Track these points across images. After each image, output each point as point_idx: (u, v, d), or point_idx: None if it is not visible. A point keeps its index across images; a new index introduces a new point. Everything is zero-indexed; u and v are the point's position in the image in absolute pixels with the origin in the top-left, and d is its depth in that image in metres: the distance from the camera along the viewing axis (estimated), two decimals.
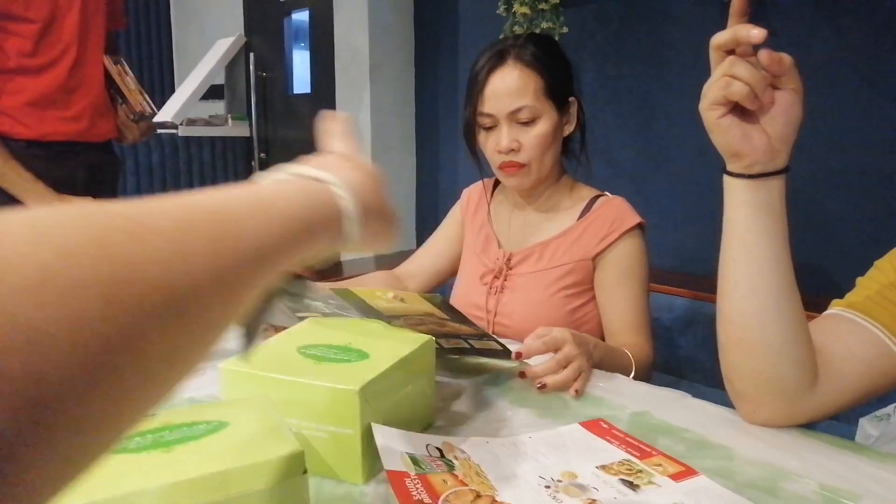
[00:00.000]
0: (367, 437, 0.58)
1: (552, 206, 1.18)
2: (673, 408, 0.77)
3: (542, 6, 2.17)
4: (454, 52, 2.80)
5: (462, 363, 0.91)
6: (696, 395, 0.80)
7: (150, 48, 4.52)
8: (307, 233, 0.38)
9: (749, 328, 0.68)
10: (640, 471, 0.60)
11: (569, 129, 1.14)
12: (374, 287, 1.06)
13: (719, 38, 0.62)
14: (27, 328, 0.19)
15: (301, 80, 3.58)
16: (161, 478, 0.44)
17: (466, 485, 0.55)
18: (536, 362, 0.83)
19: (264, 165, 3.81)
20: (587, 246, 1.11)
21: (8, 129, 1.57)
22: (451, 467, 0.58)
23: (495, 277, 1.17)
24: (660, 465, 0.61)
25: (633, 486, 0.58)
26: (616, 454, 0.64)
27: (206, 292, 0.27)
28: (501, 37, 2.23)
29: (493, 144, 1.10)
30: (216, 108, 4.13)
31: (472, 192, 1.31)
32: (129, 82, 1.72)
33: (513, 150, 1.08)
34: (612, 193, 1.18)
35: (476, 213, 1.27)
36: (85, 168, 1.68)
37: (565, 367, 0.81)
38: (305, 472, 0.48)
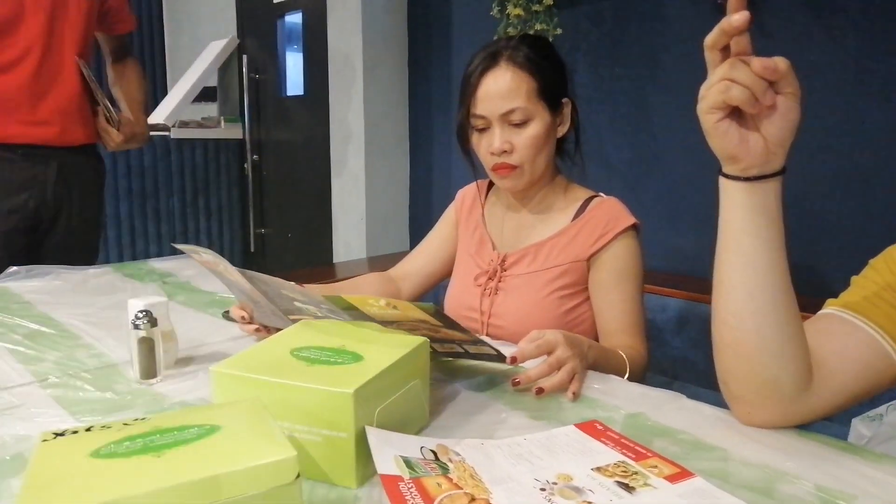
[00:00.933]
0: (361, 441, 0.58)
1: (546, 207, 1.18)
2: (668, 409, 0.76)
3: (536, 8, 2.17)
4: (447, 54, 2.80)
5: (456, 365, 0.91)
6: (691, 396, 0.80)
7: (143, 50, 4.50)
8: None
9: (744, 330, 0.68)
10: (636, 473, 0.60)
11: (562, 130, 1.13)
12: (367, 289, 1.06)
13: (710, 38, 0.62)
14: None
15: (294, 82, 3.57)
16: (152, 483, 0.44)
17: (461, 488, 0.55)
18: (530, 366, 0.83)
19: (257, 167, 3.80)
20: (581, 247, 1.11)
21: None
22: (445, 470, 0.57)
23: (489, 279, 1.17)
24: (655, 466, 0.61)
25: (628, 488, 0.57)
26: (611, 456, 0.63)
27: None
28: (495, 38, 2.24)
29: (486, 146, 1.10)
30: (209, 110, 4.11)
31: (467, 194, 1.31)
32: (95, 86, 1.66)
33: (505, 151, 1.08)
34: (606, 194, 1.18)
35: (470, 214, 1.27)
36: (56, 171, 1.63)
37: (559, 369, 0.81)
38: (298, 476, 0.48)
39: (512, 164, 1.09)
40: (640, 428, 0.71)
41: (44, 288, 1.34)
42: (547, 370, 0.81)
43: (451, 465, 0.59)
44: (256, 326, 1.00)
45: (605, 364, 0.92)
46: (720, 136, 0.64)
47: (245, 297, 0.95)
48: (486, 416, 0.75)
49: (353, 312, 0.76)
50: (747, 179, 0.65)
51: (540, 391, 0.79)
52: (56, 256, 1.59)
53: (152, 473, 0.45)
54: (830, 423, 1.29)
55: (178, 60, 4.48)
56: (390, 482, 0.53)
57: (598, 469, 0.61)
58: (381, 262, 2.80)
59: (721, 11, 1.69)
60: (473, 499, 0.53)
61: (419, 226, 3.05)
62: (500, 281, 1.16)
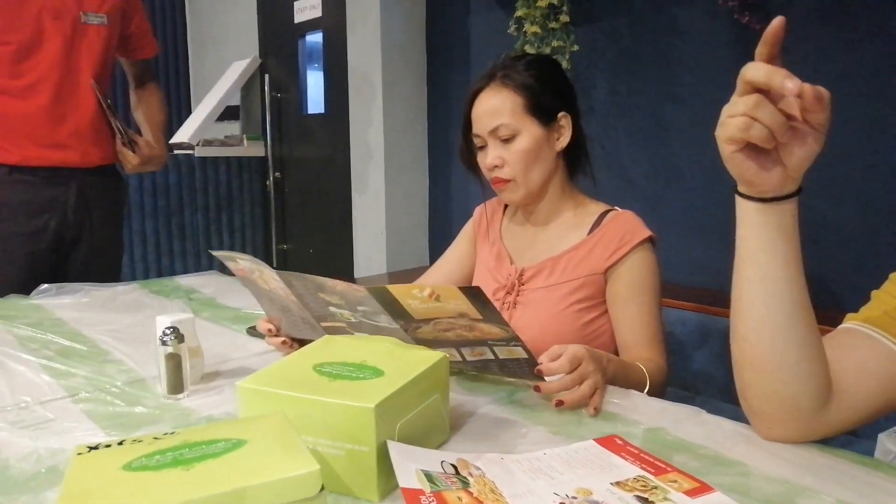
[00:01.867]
0: (383, 455, 0.59)
1: (560, 221, 1.20)
2: (688, 424, 0.76)
3: (553, 25, 2.19)
4: (466, 72, 2.83)
5: (476, 380, 0.92)
6: (711, 410, 0.80)
7: (168, 71, 4.60)
8: None
9: (763, 347, 0.68)
10: (656, 487, 0.60)
11: (561, 143, 1.15)
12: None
13: (753, 75, 0.59)
14: None
15: (315, 100, 3.63)
16: (181, 495, 0.45)
17: (482, 502, 0.56)
18: (550, 379, 0.83)
19: (279, 184, 3.85)
20: (598, 260, 1.12)
21: None
22: (465, 484, 0.58)
23: (508, 293, 1.18)
24: (675, 481, 0.61)
25: (648, 502, 0.58)
26: (631, 471, 0.64)
27: None
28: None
29: (483, 162, 1.16)
30: (232, 128, 4.18)
31: (485, 210, 1.33)
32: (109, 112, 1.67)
33: (497, 166, 1.13)
34: (623, 208, 1.18)
35: (489, 229, 1.29)
36: (76, 192, 1.66)
37: (580, 383, 0.82)
38: (323, 489, 0.49)
39: (505, 178, 1.13)
40: (660, 443, 0.72)
41: (74, 305, 1.38)
42: (569, 384, 0.81)
43: (471, 480, 0.59)
44: (283, 339, 1.02)
45: (624, 378, 0.92)
46: (737, 164, 0.64)
47: (275, 307, 0.97)
48: (505, 430, 0.76)
49: (393, 308, 0.78)
50: (763, 201, 0.65)
51: (560, 403, 0.80)
52: (79, 276, 1.62)
53: (182, 486, 0.46)
54: (857, 439, 1.28)
55: (202, 80, 4.57)
56: (412, 496, 0.54)
57: (618, 484, 0.61)
58: (401, 276, 2.82)
59: (738, 26, 1.70)
60: None
61: (438, 240, 3.07)
62: (518, 295, 1.17)
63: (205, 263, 3.65)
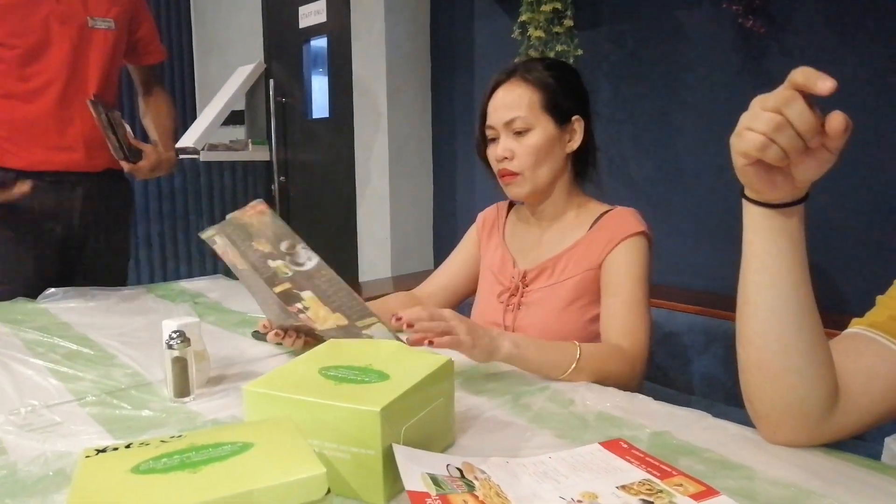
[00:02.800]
0: (389, 458, 0.59)
1: (563, 221, 1.21)
2: (693, 427, 0.76)
3: (557, 29, 2.19)
4: (470, 76, 2.84)
5: (482, 384, 0.92)
6: (717, 413, 0.80)
7: (173, 76, 4.62)
8: None
9: (769, 350, 0.68)
10: (661, 491, 0.60)
11: (572, 146, 1.17)
12: (395, 308, 1.06)
13: (791, 113, 0.58)
14: None
15: (320, 105, 3.64)
16: (189, 498, 0.45)
17: None
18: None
19: (284, 189, 3.86)
20: (593, 255, 1.13)
21: (1, 159, 1.57)
22: (471, 488, 0.58)
23: (511, 295, 1.19)
24: (681, 485, 0.61)
25: None
26: (636, 474, 0.64)
27: None
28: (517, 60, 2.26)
29: (493, 154, 1.17)
30: (237, 133, 4.20)
31: (487, 215, 1.34)
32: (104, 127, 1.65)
33: (506, 158, 1.14)
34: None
35: (491, 233, 1.30)
36: (83, 197, 1.67)
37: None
38: (329, 492, 0.49)
39: (513, 171, 1.14)
40: (666, 446, 0.72)
41: (80, 309, 1.38)
42: (429, 326, 0.86)
43: (477, 483, 0.60)
44: (274, 331, 1.05)
45: (537, 357, 0.93)
46: (747, 175, 0.64)
47: (258, 295, 1.02)
48: (511, 434, 0.76)
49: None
50: (770, 206, 0.66)
51: (399, 319, 0.86)
52: (86, 281, 1.63)
53: (189, 489, 0.47)
54: (864, 443, 1.28)
55: (207, 85, 4.59)
56: (417, 499, 0.55)
57: (623, 487, 0.61)
58: (405, 280, 2.82)
59: (742, 30, 1.70)
60: None
61: (443, 245, 3.07)
62: (522, 296, 1.18)
63: (210, 267, 3.66)
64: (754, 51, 1.89)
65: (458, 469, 0.61)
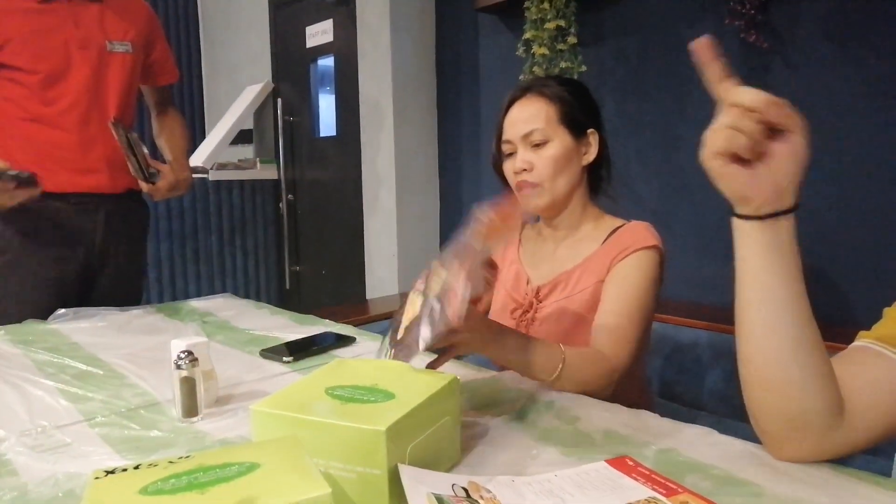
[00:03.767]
0: (394, 477, 0.60)
1: (577, 236, 1.22)
2: (699, 444, 0.76)
3: (561, 46, 2.21)
4: (475, 94, 2.86)
5: (487, 401, 0.92)
6: (726, 429, 0.80)
7: (182, 96, 4.68)
8: None
9: (769, 367, 0.68)
10: None
11: (588, 158, 1.19)
12: None
13: (745, 101, 0.62)
14: None
15: (327, 123, 3.67)
16: None
17: None
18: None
19: (292, 207, 3.89)
20: (603, 266, 1.13)
21: None
22: None
23: (525, 312, 1.20)
24: (686, 502, 0.61)
25: None
26: (642, 492, 0.64)
27: None
28: (526, 76, 2.28)
29: (511, 167, 1.18)
30: (245, 152, 4.24)
31: None
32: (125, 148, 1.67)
33: (525, 170, 1.16)
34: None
35: (506, 251, 1.31)
36: (104, 220, 1.69)
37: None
38: None
39: (532, 182, 1.15)
40: (672, 463, 0.71)
41: (90, 329, 1.40)
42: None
43: (482, 502, 0.60)
44: None
45: (523, 356, 0.90)
46: (728, 178, 0.66)
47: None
48: (516, 452, 0.76)
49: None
50: (760, 218, 0.66)
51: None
52: (103, 302, 1.64)
53: None
54: (874, 458, 1.27)
55: (216, 105, 4.64)
56: None
57: None
58: None
59: (745, 44, 1.71)
60: None
61: None
62: (535, 312, 1.18)
63: (219, 286, 3.69)
64: (757, 65, 1.90)
65: (463, 489, 0.62)
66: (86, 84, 1.62)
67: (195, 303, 1.68)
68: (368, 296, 3.23)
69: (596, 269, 1.14)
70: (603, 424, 0.83)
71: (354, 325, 1.42)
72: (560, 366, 0.92)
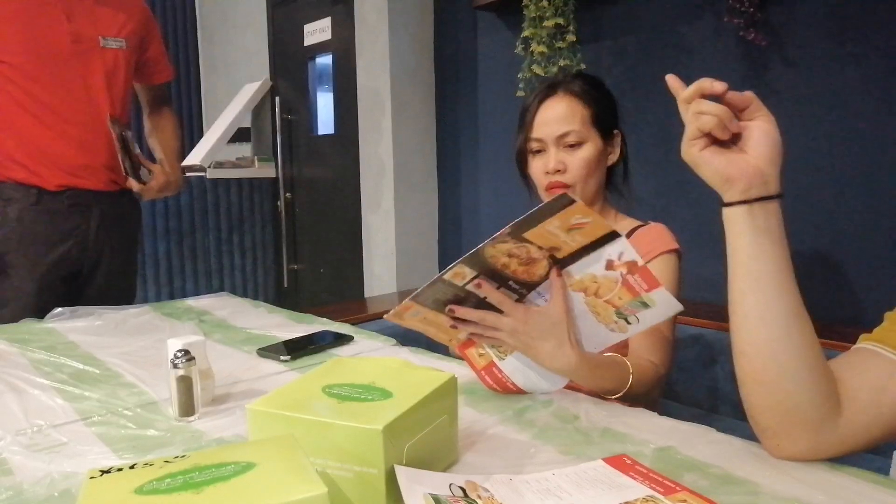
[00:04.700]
0: (391, 476, 0.59)
1: None
2: (698, 443, 0.76)
3: (559, 44, 2.21)
4: (473, 92, 2.86)
5: (485, 400, 0.92)
6: (727, 428, 0.80)
7: (180, 94, 4.68)
8: None
9: (762, 359, 0.69)
10: None
11: (612, 158, 1.22)
12: None
13: (685, 94, 0.71)
14: None
15: (325, 121, 3.67)
16: None
17: None
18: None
19: (290, 205, 3.88)
20: None
21: (21, 178, 1.59)
22: None
23: None
24: (684, 500, 0.61)
25: None
26: (640, 490, 0.63)
27: None
28: (521, 75, 2.27)
29: (541, 167, 1.18)
30: (243, 150, 4.23)
31: None
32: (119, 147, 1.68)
33: (559, 171, 1.16)
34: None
35: None
36: (98, 218, 1.69)
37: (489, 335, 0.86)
38: None
39: (565, 183, 1.16)
40: (670, 462, 0.71)
41: (87, 328, 1.39)
42: (479, 319, 0.84)
43: (480, 502, 0.60)
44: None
45: (598, 375, 0.91)
46: (706, 162, 0.69)
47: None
48: (514, 450, 0.75)
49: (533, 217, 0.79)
50: (748, 202, 0.68)
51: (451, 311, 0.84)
52: (96, 301, 1.64)
53: None
54: (873, 457, 1.26)
55: (214, 103, 4.63)
56: None
57: None
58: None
59: (744, 43, 1.71)
60: None
61: (448, 260, 3.07)
62: None
63: (216, 284, 3.68)
64: (756, 63, 1.90)
65: (460, 488, 0.61)
66: (77, 79, 1.60)
67: (192, 301, 1.67)
68: (366, 294, 3.23)
69: None
70: (601, 423, 0.83)
71: (352, 324, 1.42)
72: (626, 387, 0.94)
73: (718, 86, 0.67)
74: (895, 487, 0.65)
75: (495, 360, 0.92)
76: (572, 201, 0.75)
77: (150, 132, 1.89)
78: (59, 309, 1.48)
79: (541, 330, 0.85)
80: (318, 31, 3.57)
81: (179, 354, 0.85)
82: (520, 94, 2.32)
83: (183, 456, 0.55)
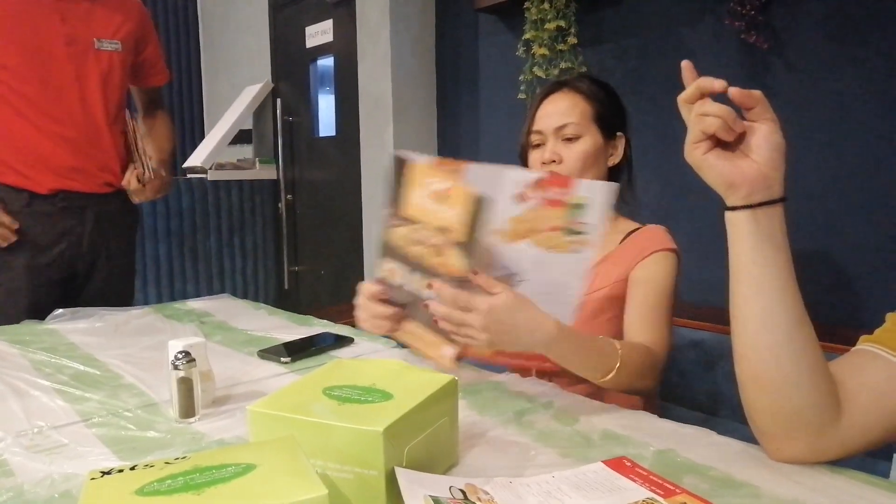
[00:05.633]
0: (392, 478, 0.59)
1: None
2: (698, 445, 0.76)
3: (561, 47, 2.21)
4: (475, 95, 2.86)
5: (486, 402, 0.92)
6: (728, 430, 0.80)
7: (181, 96, 4.68)
8: None
9: (763, 362, 0.69)
10: None
11: (613, 160, 1.21)
12: None
13: (685, 95, 0.69)
14: None
15: (326, 123, 3.67)
16: None
17: None
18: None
19: (291, 207, 3.88)
20: (622, 266, 1.14)
21: (11, 182, 1.58)
22: None
23: None
24: (684, 503, 0.61)
25: None
26: (640, 493, 0.63)
27: None
28: (522, 77, 2.27)
29: (538, 158, 1.19)
30: (244, 151, 4.23)
31: None
32: (138, 141, 1.71)
33: (554, 161, 1.16)
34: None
35: None
36: (93, 220, 1.68)
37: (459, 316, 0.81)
38: None
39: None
40: (670, 464, 0.71)
41: (87, 330, 1.39)
42: (445, 318, 0.82)
43: None
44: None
45: (577, 350, 0.88)
46: (710, 166, 0.69)
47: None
48: (514, 453, 0.76)
49: (397, 184, 0.81)
50: (751, 207, 0.68)
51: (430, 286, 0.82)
52: (94, 303, 1.63)
53: None
54: (873, 460, 1.26)
55: (215, 105, 4.64)
56: None
57: None
58: None
59: (745, 45, 1.71)
60: None
61: None
62: None
63: (217, 286, 3.68)
64: (757, 66, 1.90)
65: (460, 491, 0.61)
66: (71, 82, 1.59)
67: (193, 303, 1.67)
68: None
69: (613, 270, 1.15)
70: (601, 425, 0.83)
71: (353, 326, 1.42)
72: (616, 365, 0.91)
73: (718, 84, 0.66)
74: (893, 489, 0.65)
75: None
76: (405, 161, 0.75)
77: (144, 135, 1.88)
78: (60, 310, 1.49)
79: (508, 312, 0.81)
80: (319, 33, 3.57)
81: (180, 356, 0.85)
82: (521, 96, 2.32)
83: (183, 457, 0.55)
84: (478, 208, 0.77)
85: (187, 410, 0.87)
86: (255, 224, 3.84)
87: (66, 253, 1.65)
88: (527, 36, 2.26)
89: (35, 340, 1.29)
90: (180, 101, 4.66)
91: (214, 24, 4.62)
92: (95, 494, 0.50)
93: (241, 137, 4.09)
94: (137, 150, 1.68)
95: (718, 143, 0.69)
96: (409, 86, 2.95)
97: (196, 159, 3.77)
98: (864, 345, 0.75)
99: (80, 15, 1.60)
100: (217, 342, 1.29)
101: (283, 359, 1.14)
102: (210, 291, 3.55)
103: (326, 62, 3.61)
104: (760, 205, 0.68)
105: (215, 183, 3.66)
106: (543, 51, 2.22)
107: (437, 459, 0.69)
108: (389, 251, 0.86)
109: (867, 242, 1.77)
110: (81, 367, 1.11)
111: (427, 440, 0.66)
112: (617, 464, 0.70)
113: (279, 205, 3.90)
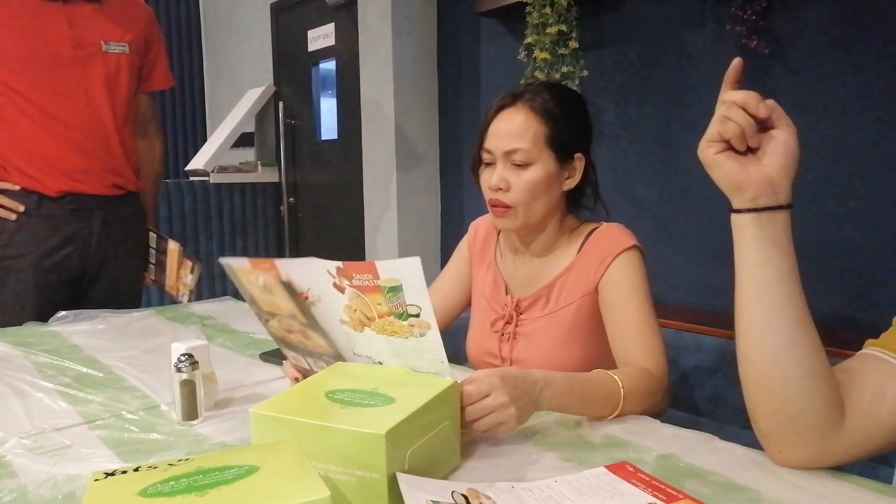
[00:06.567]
0: (394, 481, 0.59)
1: (553, 248, 1.16)
2: (700, 450, 0.76)
3: (562, 51, 2.21)
4: (476, 98, 2.86)
5: None
6: (727, 435, 0.80)
7: (184, 99, 4.69)
8: None
9: (767, 365, 0.69)
10: None
11: (570, 184, 1.12)
12: None
13: (735, 97, 0.70)
14: None
15: (328, 126, 3.68)
16: None
17: None
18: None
19: (292, 209, 3.89)
20: (587, 279, 1.09)
21: (23, 184, 1.59)
22: None
23: (507, 323, 1.15)
24: None
25: None
26: (642, 498, 0.64)
27: None
28: (522, 81, 2.28)
29: (487, 179, 1.10)
30: (246, 155, 4.24)
31: (480, 227, 1.29)
32: (173, 262, 1.77)
33: (500, 188, 1.07)
34: (636, 232, 1.16)
35: (483, 250, 1.26)
36: (100, 224, 1.69)
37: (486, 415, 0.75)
38: None
39: (506, 204, 1.08)
40: (672, 469, 0.71)
41: (90, 332, 1.40)
42: (476, 414, 0.75)
43: None
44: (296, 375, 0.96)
45: (579, 402, 0.86)
46: (720, 166, 0.70)
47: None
48: (516, 457, 0.76)
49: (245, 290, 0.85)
50: (757, 210, 0.68)
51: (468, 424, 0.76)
52: (102, 305, 1.63)
53: None
54: (876, 465, 1.26)
55: (218, 108, 4.65)
56: None
57: None
58: None
59: (747, 50, 1.71)
60: None
61: None
62: (517, 326, 1.15)
63: (219, 289, 3.68)
64: (758, 71, 1.90)
65: (462, 496, 0.61)
66: (77, 84, 1.60)
67: (196, 306, 1.68)
68: None
69: (578, 283, 1.10)
70: (603, 430, 0.83)
71: None
72: (620, 402, 0.88)
73: (763, 110, 0.68)
74: (894, 495, 0.65)
75: None
76: (231, 266, 0.83)
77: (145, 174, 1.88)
78: (63, 312, 1.49)
79: (514, 377, 0.78)
80: (321, 36, 3.58)
81: (183, 358, 0.86)
82: None
83: (186, 459, 0.55)
84: (291, 291, 0.80)
85: (190, 413, 0.87)
86: (257, 227, 3.84)
87: (75, 255, 1.66)
88: (528, 40, 2.26)
89: (38, 342, 1.30)
90: (183, 104, 4.67)
91: (217, 27, 4.63)
92: (99, 495, 0.50)
93: (243, 140, 4.10)
94: (177, 273, 1.76)
95: (731, 147, 0.70)
96: (411, 89, 2.96)
97: (198, 162, 3.78)
98: (869, 349, 0.75)
99: (88, 19, 1.61)
100: (219, 345, 1.29)
101: (285, 362, 1.14)
102: (212, 294, 3.55)
103: (328, 66, 3.62)
104: (765, 209, 0.68)
105: (218, 186, 3.67)
106: (545, 55, 2.22)
107: (439, 463, 0.69)
108: (281, 343, 0.92)
109: (868, 247, 1.77)
110: (84, 370, 1.11)
111: (429, 443, 0.66)
112: (619, 468, 0.70)
113: (281, 208, 3.90)
